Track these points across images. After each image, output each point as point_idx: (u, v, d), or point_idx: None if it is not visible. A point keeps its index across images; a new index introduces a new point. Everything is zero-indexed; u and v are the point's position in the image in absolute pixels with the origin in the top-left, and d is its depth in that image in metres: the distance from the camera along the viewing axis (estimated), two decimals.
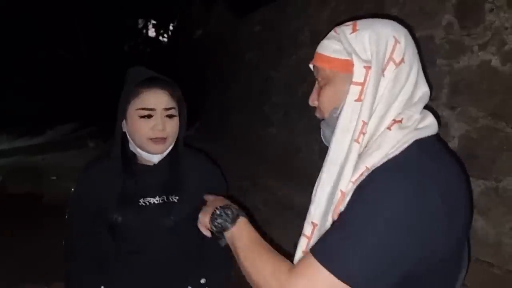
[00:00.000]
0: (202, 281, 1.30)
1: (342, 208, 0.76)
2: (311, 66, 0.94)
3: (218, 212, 0.98)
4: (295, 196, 2.98)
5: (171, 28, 11.43)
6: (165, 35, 12.30)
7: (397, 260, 0.70)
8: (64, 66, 12.00)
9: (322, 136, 0.93)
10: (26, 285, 2.71)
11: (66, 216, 1.26)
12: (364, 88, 0.78)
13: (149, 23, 13.32)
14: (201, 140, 4.82)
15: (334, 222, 0.77)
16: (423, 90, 0.83)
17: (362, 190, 0.74)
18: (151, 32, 13.43)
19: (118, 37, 12.80)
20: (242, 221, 0.95)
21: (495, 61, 1.59)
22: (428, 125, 0.81)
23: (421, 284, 0.77)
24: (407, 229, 0.69)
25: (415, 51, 0.83)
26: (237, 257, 0.89)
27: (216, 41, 5.52)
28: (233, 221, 0.94)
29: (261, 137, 3.95)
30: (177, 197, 1.24)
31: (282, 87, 3.55)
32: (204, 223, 1.03)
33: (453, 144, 1.77)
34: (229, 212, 0.96)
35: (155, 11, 11.79)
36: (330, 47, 0.85)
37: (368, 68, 0.78)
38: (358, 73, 0.79)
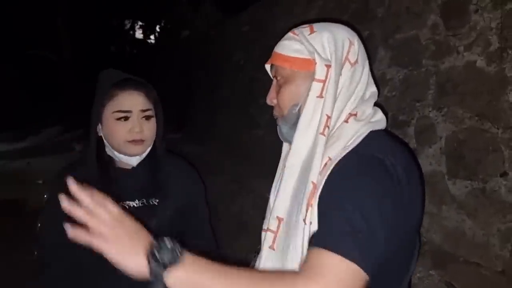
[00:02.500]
0: None
1: (315, 198, 0.78)
2: (267, 66, 1.00)
3: (157, 244, 0.71)
4: None
5: (157, 29, 11.34)
6: (152, 36, 12.20)
7: (390, 232, 0.72)
8: (49, 67, 11.83)
9: (279, 132, 0.97)
10: None
11: (38, 227, 1.21)
12: (326, 85, 0.84)
13: (135, 24, 13.21)
14: (188, 142, 4.78)
15: (320, 215, 0.76)
16: (373, 89, 0.91)
17: (339, 177, 0.77)
18: (138, 33, 13.32)
19: (104, 38, 12.67)
20: (189, 256, 0.71)
21: (481, 62, 1.59)
22: (379, 120, 0.88)
23: (390, 262, 0.78)
24: (392, 202, 0.73)
25: (365, 53, 0.90)
26: None
27: (204, 42, 5.48)
28: (181, 253, 0.69)
29: (248, 138, 3.93)
30: (157, 200, 1.22)
31: (269, 89, 3.52)
32: (130, 267, 0.71)
33: (440, 144, 1.77)
34: (168, 244, 0.70)
35: (141, 12, 11.69)
36: (290, 47, 0.90)
37: (328, 66, 0.84)
38: (320, 71, 0.84)
